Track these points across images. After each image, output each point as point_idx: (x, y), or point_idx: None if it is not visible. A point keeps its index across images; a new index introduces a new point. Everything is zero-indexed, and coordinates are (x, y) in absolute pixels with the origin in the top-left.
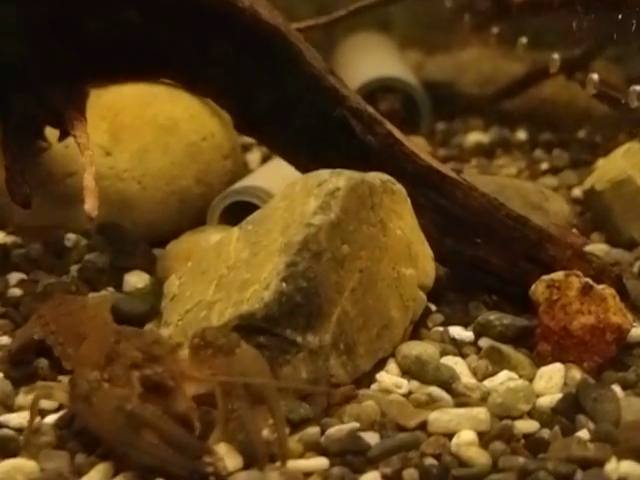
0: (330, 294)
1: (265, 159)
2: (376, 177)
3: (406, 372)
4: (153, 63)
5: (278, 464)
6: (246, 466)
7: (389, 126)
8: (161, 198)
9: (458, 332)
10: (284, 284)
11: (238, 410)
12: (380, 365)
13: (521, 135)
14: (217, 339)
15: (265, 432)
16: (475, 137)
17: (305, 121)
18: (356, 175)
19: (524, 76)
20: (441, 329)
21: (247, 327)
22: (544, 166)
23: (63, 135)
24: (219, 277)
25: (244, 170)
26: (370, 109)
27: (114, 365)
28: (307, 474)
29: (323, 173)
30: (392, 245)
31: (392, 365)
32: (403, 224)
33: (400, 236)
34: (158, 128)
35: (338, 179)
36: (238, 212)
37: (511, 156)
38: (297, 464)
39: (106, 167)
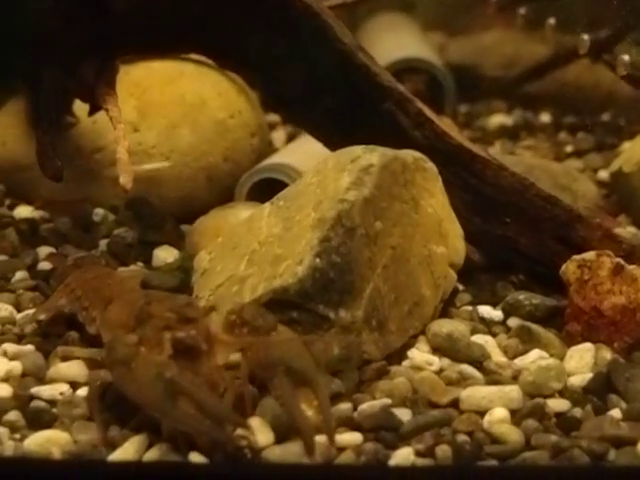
0: (363, 270)
1: (290, 138)
2: (408, 154)
3: (436, 350)
4: (185, 38)
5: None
6: (278, 441)
7: (419, 104)
8: (189, 175)
9: (487, 311)
10: (318, 259)
11: (279, 390)
12: (410, 342)
13: (545, 118)
14: (255, 319)
15: (310, 413)
16: (498, 119)
17: (335, 98)
18: (389, 152)
19: (549, 58)
20: (470, 308)
21: (280, 302)
22: (568, 149)
23: (93, 110)
24: (251, 252)
25: (270, 148)
26: (401, 87)
27: (145, 326)
28: (340, 449)
29: (356, 149)
30: (423, 222)
31: (422, 343)
32: (434, 202)
33: (431, 214)
34: (186, 105)
35: (371, 155)
36: (265, 189)
37: (535, 138)
38: None
39: (134, 143)
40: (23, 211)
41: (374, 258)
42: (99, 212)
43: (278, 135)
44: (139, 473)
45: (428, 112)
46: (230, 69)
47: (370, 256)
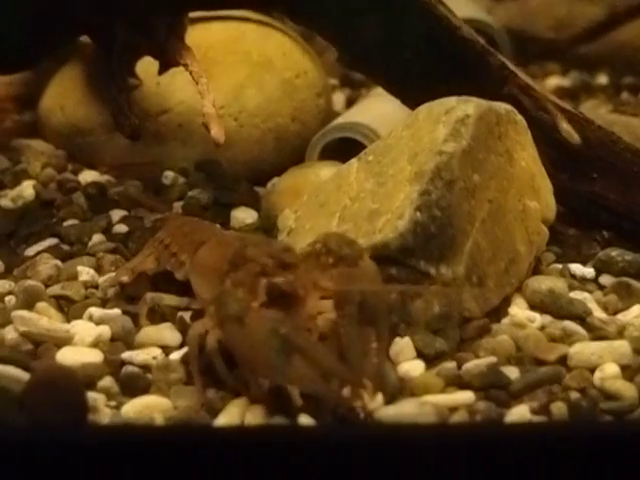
0: (462, 224)
1: (349, 101)
2: (500, 106)
3: (535, 307)
4: None
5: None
6: (388, 401)
7: (502, 57)
8: (258, 136)
9: (579, 269)
10: (418, 213)
11: (347, 329)
12: (506, 301)
13: (602, 79)
14: (341, 248)
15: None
16: (555, 81)
17: (415, 52)
18: (483, 102)
19: (602, 20)
20: (559, 266)
21: (379, 258)
22: (631, 110)
23: (163, 67)
24: (342, 209)
25: (332, 111)
26: (482, 40)
27: (239, 271)
28: (452, 409)
29: (449, 100)
30: (518, 176)
31: (519, 300)
32: (526, 155)
33: (524, 168)
34: (252, 65)
35: (467, 106)
36: (335, 151)
37: (597, 99)
38: (440, 398)
39: (201, 104)
40: (88, 176)
41: (473, 212)
42: (169, 175)
43: (337, 98)
44: (249, 437)
45: (511, 65)
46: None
47: (469, 210)
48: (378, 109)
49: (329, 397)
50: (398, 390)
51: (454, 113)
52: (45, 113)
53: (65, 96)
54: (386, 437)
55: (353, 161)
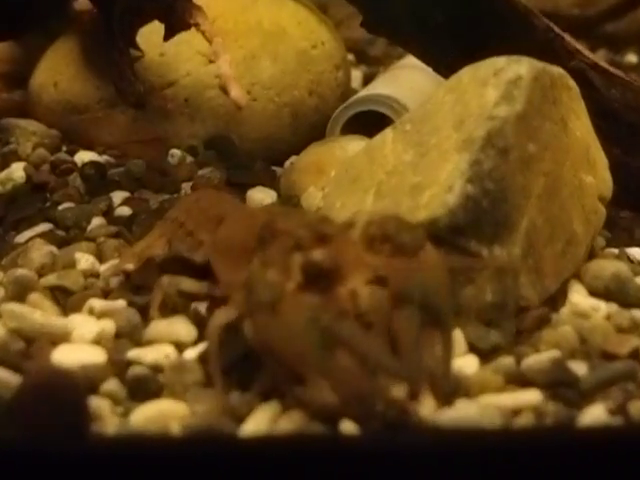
0: (517, 200)
1: (366, 78)
2: (553, 68)
3: (595, 294)
4: None
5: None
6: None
7: (546, 20)
8: (273, 111)
9: (639, 253)
10: (470, 186)
11: (407, 329)
12: (562, 288)
13: (632, 58)
14: (400, 234)
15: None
16: None
17: (449, 13)
18: (537, 62)
19: None
20: (615, 250)
21: None
22: None
23: (170, 32)
24: (377, 184)
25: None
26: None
27: (270, 247)
28: (515, 411)
29: (498, 60)
30: (573, 147)
31: (577, 287)
32: (580, 125)
33: (579, 138)
34: (264, 34)
35: (519, 66)
36: (356, 127)
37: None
38: (502, 399)
39: (210, 76)
40: (85, 156)
41: (528, 186)
42: (175, 153)
43: (354, 75)
44: (281, 449)
45: (557, 29)
46: None
47: (524, 183)
48: (406, 80)
49: (379, 398)
50: (452, 390)
51: (504, 74)
52: (37, 90)
53: (59, 71)
54: (446, 447)
55: (387, 131)
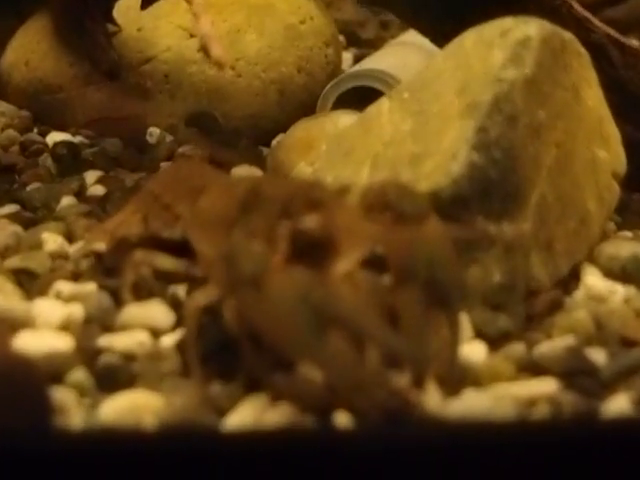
0: (527, 171)
1: (357, 59)
2: (564, 32)
3: (612, 277)
4: None
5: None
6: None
7: None
8: (259, 87)
9: None
10: (475, 154)
11: (411, 309)
12: (574, 270)
13: (633, 43)
14: (402, 201)
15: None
16: None
17: None
18: (546, 24)
19: None
20: (629, 233)
21: None
22: None
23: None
24: (373, 156)
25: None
26: None
27: (253, 215)
28: (530, 402)
29: (504, 21)
30: (585, 118)
31: (591, 269)
32: (592, 95)
33: (592, 109)
34: (249, 7)
35: (527, 27)
36: (347, 105)
37: None
38: (514, 388)
39: (192, 50)
40: (57, 137)
41: (539, 157)
42: (154, 132)
43: (345, 57)
44: (268, 444)
45: None
46: None
47: (535, 154)
48: (400, 57)
49: (379, 387)
50: (459, 378)
51: (512, 35)
52: (7, 70)
53: (30, 49)
54: (455, 442)
55: (383, 100)
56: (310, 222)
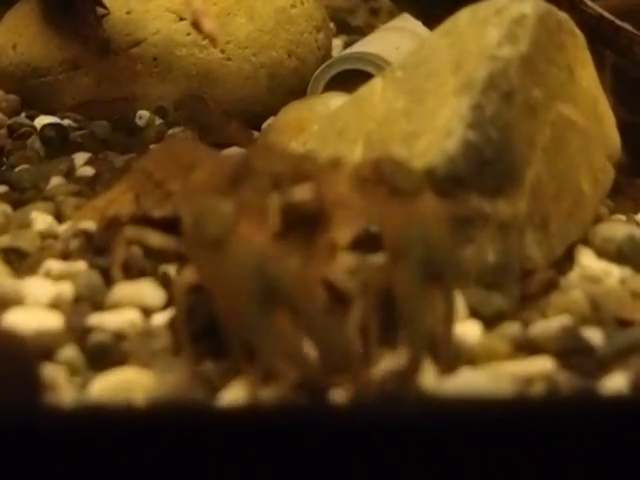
0: (522, 150)
1: (347, 46)
2: (558, 12)
3: (607, 258)
4: None
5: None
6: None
7: None
8: (249, 71)
9: None
10: (471, 132)
11: (407, 287)
12: (569, 251)
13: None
14: (396, 177)
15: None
16: None
17: None
18: (542, 3)
19: None
20: (622, 217)
21: None
22: None
23: None
24: (366, 134)
25: None
26: None
27: (244, 188)
28: (526, 380)
29: (499, 0)
30: (580, 99)
31: (585, 251)
32: (587, 75)
33: (587, 90)
34: None
35: (523, 5)
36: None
37: None
38: (510, 367)
39: (181, 34)
40: (46, 120)
41: (534, 136)
42: (144, 115)
43: (335, 43)
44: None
45: None
46: None
47: (530, 133)
48: (392, 41)
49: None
50: (455, 356)
51: (507, 13)
52: None
53: (18, 32)
54: (454, 420)
55: (376, 80)
56: (302, 194)
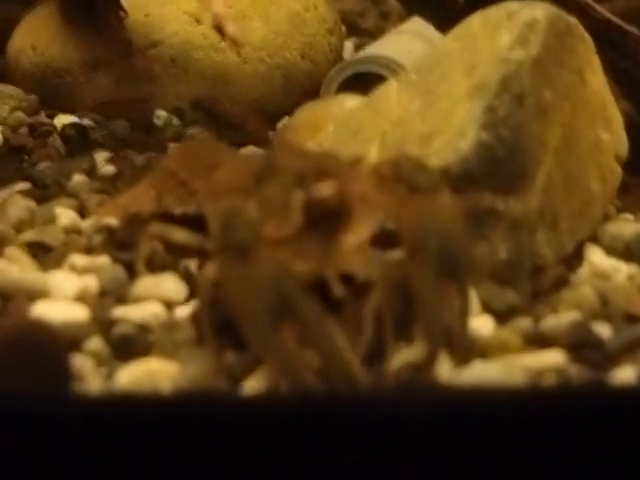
0: (534, 150)
1: (358, 49)
2: (568, 16)
3: (615, 255)
4: None
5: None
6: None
7: None
8: (264, 72)
9: None
10: (484, 132)
11: (424, 282)
12: (578, 249)
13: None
14: (414, 175)
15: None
16: None
17: None
18: (552, 7)
19: None
20: (629, 216)
21: None
22: None
23: None
24: (381, 134)
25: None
26: None
27: (267, 185)
28: (537, 372)
29: (510, 4)
30: (590, 101)
31: (594, 248)
32: (596, 79)
33: (596, 92)
34: None
35: (534, 10)
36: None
37: None
38: (522, 360)
39: (198, 36)
40: (65, 119)
41: (545, 136)
42: (161, 115)
43: (346, 45)
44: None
45: None
46: None
47: (541, 133)
48: (404, 44)
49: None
50: (469, 349)
51: (519, 17)
52: (14, 54)
53: (37, 34)
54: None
55: (391, 82)
56: (324, 191)
